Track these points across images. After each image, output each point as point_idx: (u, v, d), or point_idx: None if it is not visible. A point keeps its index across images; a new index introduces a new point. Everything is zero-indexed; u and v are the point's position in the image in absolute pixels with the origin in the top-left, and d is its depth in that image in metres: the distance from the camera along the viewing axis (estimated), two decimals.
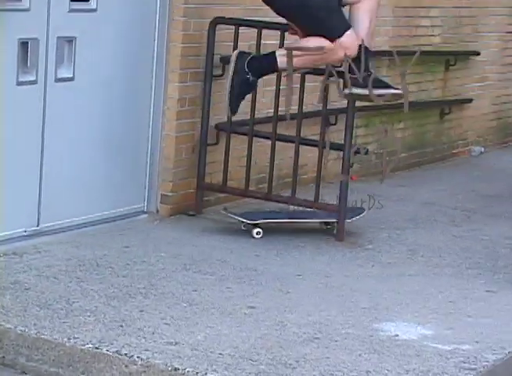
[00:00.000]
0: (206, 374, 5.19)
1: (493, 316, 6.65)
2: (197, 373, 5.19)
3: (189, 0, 8.21)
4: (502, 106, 12.79)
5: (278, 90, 8.31)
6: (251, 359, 5.41)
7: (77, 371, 5.45)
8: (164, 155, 8.18)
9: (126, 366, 5.32)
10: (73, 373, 5.47)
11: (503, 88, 12.94)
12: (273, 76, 8.40)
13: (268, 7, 8.51)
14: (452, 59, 11.98)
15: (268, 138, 8.24)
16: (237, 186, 8.37)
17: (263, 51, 8.43)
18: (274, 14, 8.54)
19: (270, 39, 8.38)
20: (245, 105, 8.24)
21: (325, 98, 8.10)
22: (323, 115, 8.22)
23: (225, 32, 8.22)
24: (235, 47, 8.33)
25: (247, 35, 8.39)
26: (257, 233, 7.98)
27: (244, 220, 8.07)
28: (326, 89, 8.13)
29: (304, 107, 8.27)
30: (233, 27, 8.34)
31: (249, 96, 8.31)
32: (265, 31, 8.43)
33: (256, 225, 8.18)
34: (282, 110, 8.28)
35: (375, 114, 10.35)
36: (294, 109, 8.37)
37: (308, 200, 8.24)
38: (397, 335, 6.08)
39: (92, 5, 7.61)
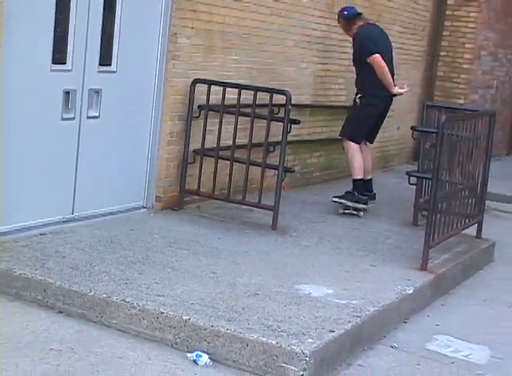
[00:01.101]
0: (182, 316, 5.50)
1: (372, 282, 6.91)
2: (175, 316, 5.51)
3: (177, 67, 8.20)
4: (383, 144, 12.82)
5: (236, 128, 8.21)
6: (213, 307, 5.78)
7: (96, 312, 5.74)
8: (158, 169, 8.36)
9: (128, 309, 5.65)
10: (92, 313, 5.75)
11: (382, 133, 12.84)
12: (231, 119, 8.36)
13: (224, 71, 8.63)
14: None
15: (228, 160, 8.30)
16: (207, 192, 8.47)
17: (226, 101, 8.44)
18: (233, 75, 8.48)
19: (232, 94, 8.33)
20: (213, 137, 8.42)
21: (266, 134, 8.13)
22: (265, 146, 8.26)
23: (201, 88, 8.20)
24: (208, 98, 8.40)
25: (217, 90, 8.29)
26: None
27: None
28: (268, 129, 8.15)
29: (252, 140, 8.19)
30: (206, 85, 8.25)
31: (216, 131, 8.40)
32: (228, 89, 8.28)
33: None
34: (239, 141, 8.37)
35: (300, 146, 10.30)
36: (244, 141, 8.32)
37: (254, 202, 8.33)
38: (310, 293, 6.38)
39: (113, 68, 7.78)
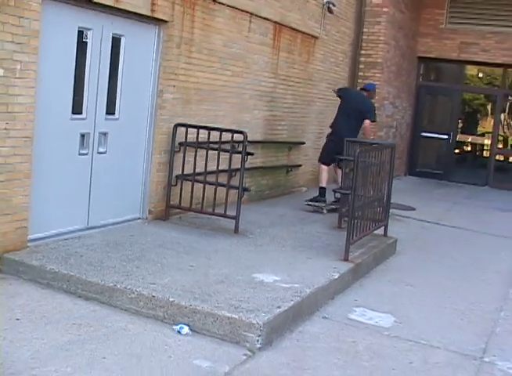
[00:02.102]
0: (168, 298, 5.53)
1: (308, 270, 6.90)
2: (164, 298, 5.51)
3: (164, 115, 8.22)
4: (317, 168, 12.80)
5: (206, 159, 8.19)
6: (191, 291, 5.81)
7: (105, 296, 5.74)
8: (150, 190, 8.32)
9: (129, 294, 5.67)
10: (103, 297, 5.74)
11: (316, 159, 12.86)
12: (203, 152, 8.32)
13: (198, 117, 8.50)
14: (292, 145, 12.12)
15: (201, 182, 8.27)
16: (186, 206, 8.37)
17: (199, 139, 8.40)
18: (204, 120, 8.41)
19: (204, 134, 8.31)
20: (190, 166, 8.41)
21: (229, 163, 8.10)
22: (228, 172, 8.26)
23: (181, 130, 8.24)
24: (186, 137, 8.36)
25: (193, 132, 8.28)
26: None
27: None
28: (230, 159, 8.12)
29: (219, 168, 8.18)
30: (185, 128, 8.27)
31: (192, 161, 8.35)
32: (201, 130, 8.27)
33: None
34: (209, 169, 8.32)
35: (254, 171, 10.41)
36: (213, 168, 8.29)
37: (221, 213, 8.26)
38: (263, 280, 6.35)
39: (117, 116, 7.76)
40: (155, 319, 5.42)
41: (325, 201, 10.71)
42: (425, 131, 18.60)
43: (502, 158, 19.37)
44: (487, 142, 19.20)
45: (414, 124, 18.72)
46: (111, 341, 4.91)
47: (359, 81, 15.14)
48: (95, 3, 6.96)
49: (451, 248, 9.84)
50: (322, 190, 10.87)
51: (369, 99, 11.33)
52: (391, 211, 9.52)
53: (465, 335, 6.08)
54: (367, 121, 10.94)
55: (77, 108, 7.13)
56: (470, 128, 20.12)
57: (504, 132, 19.51)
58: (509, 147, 19.64)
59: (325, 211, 10.51)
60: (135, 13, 7.59)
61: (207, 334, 5.24)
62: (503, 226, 12.08)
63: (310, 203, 10.65)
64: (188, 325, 5.29)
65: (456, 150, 19.30)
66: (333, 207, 10.39)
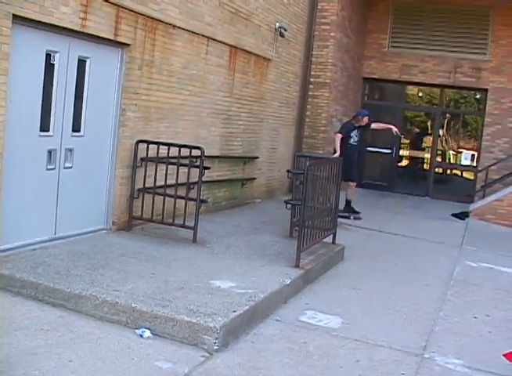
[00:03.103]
0: (131, 304, 5.50)
1: (262, 277, 6.91)
2: (127, 304, 5.48)
3: (126, 132, 8.21)
4: (269, 181, 12.92)
5: (166, 173, 8.20)
6: (152, 297, 5.79)
7: (72, 303, 5.69)
8: (114, 202, 8.29)
9: (94, 301, 5.64)
10: (70, 304, 5.67)
11: (269, 174, 12.93)
12: (163, 167, 8.31)
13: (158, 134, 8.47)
14: (247, 160, 12.19)
15: (162, 195, 8.26)
16: (148, 217, 8.35)
17: (159, 154, 8.36)
18: (164, 137, 8.46)
19: (164, 149, 8.28)
20: (151, 180, 8.38)
21: (188, 177, 8.08)
22: (187, 185, 8.24)
23: (142, 146, 8.24)
24: (147, 153, 8.34)
25: (153, 148, 8.27)
26: None
27: None
28: (188, 173, 8.11)
29: (178, 181, 8.15)
30: (146, 144, 8.26)
31: (153, 176, 8.32)
32: (161, 146, 8.28)
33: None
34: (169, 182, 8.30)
35: (211, 184, 10.47)
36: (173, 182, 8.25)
37: (180, 223, 8.24)
38: (220, 286, 6.36)
39: (82, 133, 7.71)
40: (118, 324, 5.39)
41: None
42: (370, 146, 18.78)
43: (441, 171, 19.66)
44: (427, 156, 19.44)
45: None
46: (77, 345, 4.87)
47: (309, 100, 15.31)
48: (62, 27, 6.93)
49: (395, 254, 9.95)
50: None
51: (346, 122, 13.39)
52: (338, 220, 9.59)
53: (407, 334, 6.17)
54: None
55: (44, 126, 7.07)
56: (412, 143, 20.35)
57: (442, 147, 19.76)
58: (447, 161, 19.90)
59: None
60: (100, 37, 7.56)
61: (168, 337, 5.22)
62: (441, 233, 12.26)
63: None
64: (149, 329, 5.27)
65: (399, 164, 19.54)
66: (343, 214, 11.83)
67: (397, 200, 16.86)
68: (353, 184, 12.80)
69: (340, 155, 12.03)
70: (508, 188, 15.26)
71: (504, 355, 5.87)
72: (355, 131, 12.69)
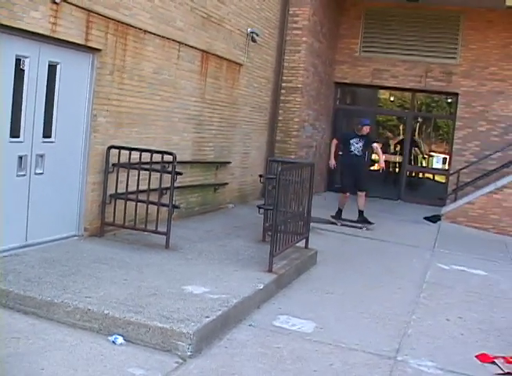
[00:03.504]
0: (103, 311, 5.47)
1: (235, 282, 6.91)
2: (99, 311, 5.44)
3: (97, 138, 8.16)
4: (242, 186, 12.94)
5: (138, 179, 8.16)
6: (125, 303, 5.77)
7: (43, 310, 5.62)
8: (86, 208, 8.19)
9: (66, 308, 5.58)
10: (41, 311, 5.61)
11: (241, 179, 12.96)
12: (135, 172, 8.27)
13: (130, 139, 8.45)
14: (219, 165, 12.17)
15: (134, 200, 8.24)
16: (120, 223, 8.31)
17: (131, 160, 8.32)
18: (136, 142, 8.44)
19: (136, 155, 8.29)
20: (123, 185, 8.34)
21: (160, 182, 8.07)
22: (159, 190, 8.25)
23: (114, 152, 8.20)
24: (119, 159, 8.29)
25: (125, 153, 8.23)
26: None
27: None
28: (160, 179, 8.09)
29: (150, 187, 8.15)
30: (118, 150, 8.23)
31: (125, 181, 8.29)
32: (133, 152, 8.23)
33: None
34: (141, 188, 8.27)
35: (184, 190, 10.45)
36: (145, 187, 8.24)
37: (152, 229, 8.23)
38: (192, 291, 6.35)
39: (53, 139, 7.62)
40: (91, 331, 5.35)
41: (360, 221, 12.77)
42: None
43: (413, 174, 19.80)
44: (399, 159, 19.58)
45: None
46: (49, 353, 4.83)
47: (281, 104, 15.34)
48: (32, 32, 6.87)
49: (368, 258, 10.00)
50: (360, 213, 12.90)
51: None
52: (311, 224, 9.62)
53: (380, 337, 6.21)
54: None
55: (14, 132, 6.99)
56: (384, 147, 20.46)
57: (414, 151, 19.91)
58: (419, 164, 20.03)
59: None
60: (70, 42, 7.51)
61: (141, 343, 5.20)
62: (414, 237, 12.37)
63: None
64: (122, 336, 5.24)
65: (371, 168, 19.63)
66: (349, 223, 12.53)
67: (369, 204, 16.82)
68: (344, 195, 12.91)
69: (334, 161, 13.06)
70: (479, 191, 15.46)
71: (476, 356, 5.96)
72: (356, 139, 12.71)
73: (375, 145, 13.04)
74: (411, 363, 5.63)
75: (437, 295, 8.19)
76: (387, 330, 6.49)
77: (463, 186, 17.06)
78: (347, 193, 12.86)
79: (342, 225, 12.62)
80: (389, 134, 21.17)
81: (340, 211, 12.97)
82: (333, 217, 12.91)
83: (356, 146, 12.66)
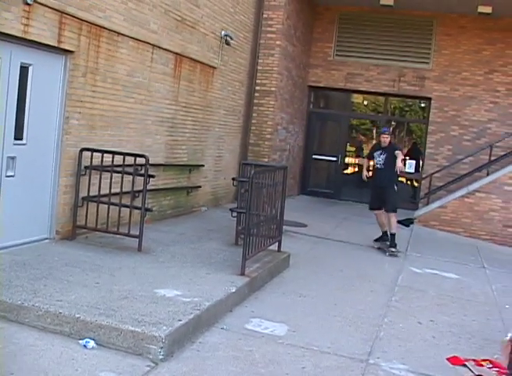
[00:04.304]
0: (75, 315, 5.43)
1: (208, 285, 6.89)
2: (70, 314, 5.40)
3: (70, 140, 8.12)
4: (215, 189, 12.91)
5: (111, 182, 8.13)
6: (96, 307, 5.74)
7: (13, 314, 5.56)
8: (57, 211, 8.16)
9: (36, 311, 5.53)
10: (11, 315, 5.55)
11: (215, 182, 12.96)
12: (108, 175, 8.26)
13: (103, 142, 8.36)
14: (192, 168, 12.21)
15: (106, 203, 8.22)
16: (92, 226, 8.28)
17: (104, 163, 8.31)
18: (109, 144, 8.43)
19: (108, 157, 8.27)
20: (96, 188, 8.31)
21: (132, 185, 8.05)
22: (132, 193, 8.21)
23: (86, 154, 8.18)
24: (91, 161, 8.25)
25: (98, 156, 8.22)
26: None
27: None
28: (133, 182, 8.08)
29: (123, 189, 8.18)
30: (90, 152, 8.19)
31: (97, 184, 8.27)
32: (105, 154, 8.19)
33: None
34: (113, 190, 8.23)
35: (157, 192, 10.37)
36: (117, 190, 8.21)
37: (125, 232, 8.22)
38: (165, 295, 6.33)
39: (24, 141, 7.58)
40: (62, 335, 5.31)
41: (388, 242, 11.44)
42: (316, 154, 19.05)
43: None
44: (372, 163, 19.68)
45: (306, 147, 19.05)
46: (19, 357, 4.78)
47: (255, 108, 15.39)
48: (4, 33, 6.83)
49: (340, 261, 10.05)
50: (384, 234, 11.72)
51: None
52: (284, 227, 9.64)
53: (353, 340, 6.24)
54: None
55: None
56: (357, 150, 20.57)
57: None
58: None
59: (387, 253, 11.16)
60: (43, 44, 7.48)
61: (112, 347, 5.18)
62: None
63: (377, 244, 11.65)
64: (94, 339, 5.21)
65: (345, 171, 19.74)
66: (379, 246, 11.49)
67: (343, 208, 17.03)
68: (377, 212, 11.70)
69: (366, 173, 11.99)
70: (451, 195, 15.61)
71: (448, 359, 6.01)
72: (379, 151, 11.59)
73: (397, 152, 11.26)
74: (383, 366, 5.66)
75: (409, 298, 8.25)
76: (359, 333, 6.52)
77: (436, 189, 17.20)
78: (375, 212, 11.71)
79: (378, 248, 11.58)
80: (362, 138, 21.27)
81: (382, 234, 11.80)
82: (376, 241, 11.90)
83: (378, 158, 11.54)
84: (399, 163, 10.91)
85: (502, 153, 16.95)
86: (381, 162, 11.40)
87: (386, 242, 11.51)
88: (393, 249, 11.15)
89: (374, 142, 11.59)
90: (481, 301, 8.60)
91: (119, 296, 6.03)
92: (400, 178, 20.06)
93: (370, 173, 12.35)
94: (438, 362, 5.91)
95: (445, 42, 17.77)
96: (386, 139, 11.33)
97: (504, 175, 14.98)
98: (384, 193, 11.40)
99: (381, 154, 11.40)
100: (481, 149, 17.11)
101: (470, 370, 5.76)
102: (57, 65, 7.97)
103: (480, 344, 6.61)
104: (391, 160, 11.19)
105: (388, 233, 11.40)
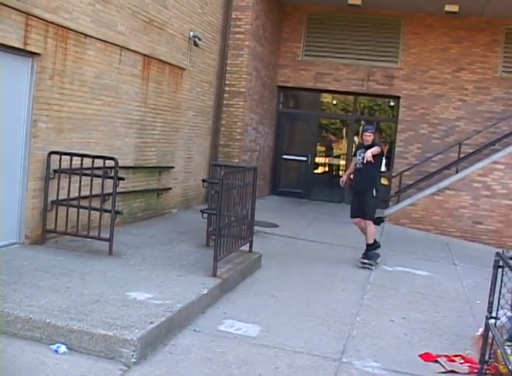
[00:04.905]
0: (45, 320, 5.36)
1: (179, 287, 6.88)
2: (41, 319, 5.35)
3: (38, 143, 8.06)
4: (185, 191, 12.90)
5: (80, 185, 8.09)
6: (67, 311, 5.68)
7: None
8: (26, 216, 8.08)
9: (6, 317, 5.46)
10: None
11: (185, 183, 12.89)
12: (77, 178, 8.20)
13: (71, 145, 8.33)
14: (162, 170, 12.13)
15: (76, 207, 8.18)
16: (62, 230, 8.22)
17: (73, 166, 8.26)
18: (78, 147, 8.32)
19: (77, 160, 8.21)
20: (65, 191, 8.25)
21: (102, 188, 8.02)
22: (101, 196, 8.19)
23: (55, 158, 8.10)
24: (60, 165, 8.19)
25: (66, 159, 8.18)
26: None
27: None
28: (102, 184, 8.04)
29: (92, 192, 8.08)
30: (59, 155, 8.12)
31: (66, 187, 8.22)
32: (74, 157, 8.11)
33: None
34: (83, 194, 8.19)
35: (127, 195, 10.32)
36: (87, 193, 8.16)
37: (95, 235, 8.17)
38: (136, 298, 6.27)
39: None
40: (33, 340, 5.25)
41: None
42: (286, 154, 19.12)
43: None
44: (342, 162, 19.81)
45: (276, 147, 19.11)
46: None
47: (224, 109, 15.38)
48: None
49: (312, 261, 10.09)
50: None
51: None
52: (255, 228, 9.65)
53: (325, 340, 6.28)
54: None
55: None
56: (327, 150, 20.65)
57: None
58: None
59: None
60: (8, 46, 7.40)
61: (84, 351, 5.14)
62: (358, 239, 12.44)
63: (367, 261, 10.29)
64: (65, 344, 5.17)
65: (315, 171, 19.82)
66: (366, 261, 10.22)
67: (313, 208, 17.09)
68: (357, 220, 10.52)
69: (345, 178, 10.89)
70: (421, 193, 15.77)
71: (420, 355, 6.07)
72: (360, 150, 10.51)
73: (374, 148, 10.11)
74: (356, 364, 5.70)
75: (381, 296, 8.32)
76: (332, 332, 6.56)
77: (406, 188, 17.38)
78: (355, 220, 10.54)
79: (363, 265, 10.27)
80: (332, 137, 21.36)
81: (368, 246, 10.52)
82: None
83: (359, 157, 10.43)
84: (368, 152, 9.83)
85: (471, 151, 17.21)
86: (360, 162, 10.31)
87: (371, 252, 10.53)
88: (365, 260, 10.19)
89: (344, 141, 11.00)
90: (452, 298, 8.71)
91: (90, 300, 5.99)
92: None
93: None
94: (411, 359, 5.98)
95: (413, 41, 17.95)
96: (369, 138, 10.33)
97: (473, 173, 15.18)
98: (362, 197, 10.30)
99: (362, 153, 10.33)
100: (450, 146, 17.33)
101: (442, 365, 5.83)
102: (24, 67, 7.89)
103: (451, 340, 6.69)
104: (371, 160, 10.04)
105: (366, 242, 10.44)
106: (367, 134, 10.42)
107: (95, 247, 8.21)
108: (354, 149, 11.71)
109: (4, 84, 7.55)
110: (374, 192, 10.26)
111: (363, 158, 10.06)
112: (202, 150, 14.41)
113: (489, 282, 5.24)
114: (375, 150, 10.02)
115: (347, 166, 18.96)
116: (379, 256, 10.51)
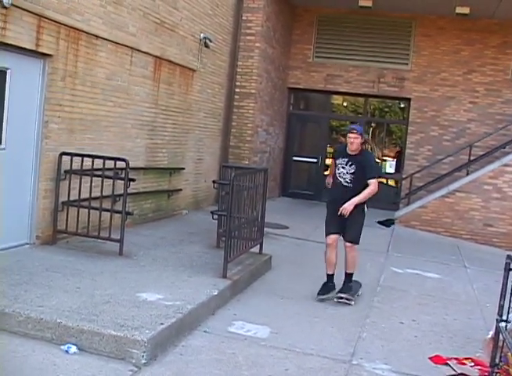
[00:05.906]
0: (56, 320, 5.39)
1: (189, 288, 6.88)
2: (52, 320, 5.36)
3: (49, 144, 8.11)
4: (195, 192, 12.91)
5: (91, 186, 8.10)
6: (78, 312, 5.70)
7: None
8: (37, 216, 8.13)
9: (17, 317, 5.49)
10: None
11: (195, 185, 12.89)
12: (88, 179, 8.24)
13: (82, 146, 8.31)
14: (172, 171, 12.10)
15: (86, 207, 8.23)
16: (72, 230, 8.26)
17: (84, 167, 8.27)
18: (89, 148, 8.31)
19: (88, 161, 8.26)
20: (76, 192, 8.30)
21: (113, 189, 8.04)
22: (112, 197, 8.22)
23: (66, 158, 8.18)
24: (71, 165, 8.24)
25: (77, 160, 8.19)
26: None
27: None
28: (113, 185, 8.07)
29: (103, 193, 8.12)
30: (70, 156, 8.18)
31: (77, 188, 8.25)
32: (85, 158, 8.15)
33: None
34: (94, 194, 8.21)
35: (137, 196, 10.36)
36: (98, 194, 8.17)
37: (106, 236, 8.17)
38: (147, 299, 6.31)
39: (3, 146, 7.55)
40: (43, 341, 5.28)
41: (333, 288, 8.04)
42: (296, 156, 19.09)
43: None
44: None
45: (286, 149, 19.08)
46: (0, 364, 4.74)
47: (235, 110, 15.40)
48: None
49: (322, 263, 10.01)
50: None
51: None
52: (266, 230, 9.65)
53: (335, 342, 6.27)
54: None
55: None
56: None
57: None
58: None
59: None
60: (21, 47, 7.44)
61: (95, 352, 5.16)
62: (368, 241, 12.32)
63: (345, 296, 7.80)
64: (75, 344, 5.19)
65: (325, 172, 19.76)
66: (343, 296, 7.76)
67: (323, 209, 16.99)
68: (333, 238, 7.96)
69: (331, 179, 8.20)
70: (432, 195, 15.71)
71: (430, 358, 6.05)
72: (344, 159, 7.86)
73: (371, 181, 7.68)
74: (366, 366, 5.69)
75: (391, 299, 8.30)
76: (341, 334, 6.55)
77: (416, 190, 17.30)
78: (331, 237, 7.96)
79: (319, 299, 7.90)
80: (342, 139, 21.31)
81: (327, 279, 8.10)
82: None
83: (342, 170, 7.85)
84: (350, 206, 7.59)
85: (482, 153, 17.11)
86: (347, 178, 7.80)
87: (333, 291, 7.97)
88: (342, 295, 7.76)
89: (342, 147, 8.05)
90: (463, 301, 8.68)
91: (101, 301, 6.01)
92: (380, 179, 20.22)
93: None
94: (421, 361, 5.96)
95: (424, 43, 17.89)
96: (354, 142, 7.72)
97: (484, 175, 15.10)
98: (346, 218, 7.80)
99: (347, 164, 7.82)
100: (461, 149, 17.23)
101: (452, 368, 5.81)
102: (35, 69, 7.93)
103: (462, 342, 6.67)
104: (362, 175, 7.72)
105: (345, 271, 8.04)
106: (352, 136, 7.75)
107: (105, 248, 8.23)
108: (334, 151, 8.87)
109: (16, 86, 7.59)
110: (366, 207, 8.01)
111: (351, 176, 7.76)
112: (212, 152, 14.42)
113: (500, 285, 5.22)
114: (373, 186, 7.68)
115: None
116: (360, 286, 8.32)
